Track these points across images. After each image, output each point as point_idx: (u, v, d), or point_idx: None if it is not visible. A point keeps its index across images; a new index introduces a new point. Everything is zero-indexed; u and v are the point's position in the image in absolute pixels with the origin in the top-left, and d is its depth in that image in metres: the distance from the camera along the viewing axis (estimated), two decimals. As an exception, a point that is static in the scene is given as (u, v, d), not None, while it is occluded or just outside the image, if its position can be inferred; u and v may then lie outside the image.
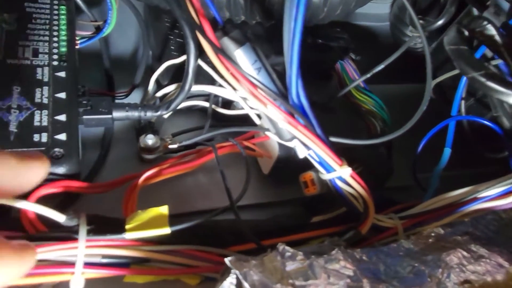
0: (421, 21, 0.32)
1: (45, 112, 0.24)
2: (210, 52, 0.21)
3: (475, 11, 0.24)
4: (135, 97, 0.33)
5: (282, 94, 0.23)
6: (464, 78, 0.32)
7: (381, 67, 0.33)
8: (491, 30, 0.20)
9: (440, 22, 0.28)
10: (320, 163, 0.24)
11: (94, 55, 0.33)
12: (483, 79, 0.18)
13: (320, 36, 0.39)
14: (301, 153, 0.24)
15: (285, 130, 0.22)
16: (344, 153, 0.29)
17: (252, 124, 0.28)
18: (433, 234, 0.28)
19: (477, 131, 0.33)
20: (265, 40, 0.37)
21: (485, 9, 0.23)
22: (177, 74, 0.31)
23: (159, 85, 0.32)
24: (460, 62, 0.18)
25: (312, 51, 0.39)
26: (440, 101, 0.37)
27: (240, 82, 0.21)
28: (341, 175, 0.24)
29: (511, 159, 0.29)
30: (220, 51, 0.21)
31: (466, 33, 0.19)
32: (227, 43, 0.21)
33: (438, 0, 0.29)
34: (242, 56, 0.21)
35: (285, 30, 0.20)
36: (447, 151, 0.31)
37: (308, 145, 0.23)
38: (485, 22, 0.20)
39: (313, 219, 0.28)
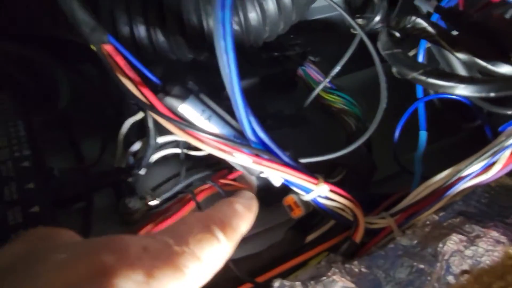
0: (360, 20, 0.32)
1: (17, 208, 0.24)
2: (159, 119, 0.21)
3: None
4: (107, 161, 0.33)
5: (240, 132, 0.23)
6: (422, 48, 0.31)
7: (337, 68, 0.32)
8: (422, 23, 0.20)
9: (377, 18, 0.28)
10: (296, 187, 0.24)
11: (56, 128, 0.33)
12: (423, 77, 0.18)
13: (274, 49, 0.39)
14: (276, 182, 0.24)
15: (253, 168, 0.22)
16: (323, 162, 0.29)
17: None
18: (428, 223, 0.27)
19: (448, 104, 0.33)
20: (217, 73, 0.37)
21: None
22: (143, 128, 0.31)
23: (129, 143, 0.32)
24: (397, 66, 0.18)
25: (270, 65, 0.39)
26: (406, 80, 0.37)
27: (201, 140, 0.21)
28: (320, 193, 0.24)
29: (486, 127, 0.29)
30: (168, 118, 0.20)
31: (397, 34, 0.19)
32: (170, 102, 0.21)
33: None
34: (189, 109, 0.21)
35: (220, 66, 0.20)
36: (423, 134, 0.31)
37: (279, 175, 0.23)
38: (413, 17, 0.20)
39: (307, 238, 0.28)
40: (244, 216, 0.18)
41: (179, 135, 0.20)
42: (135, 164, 0.31)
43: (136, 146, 0.31)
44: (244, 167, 0.22)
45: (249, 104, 0.36)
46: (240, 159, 0.21)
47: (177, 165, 0.32)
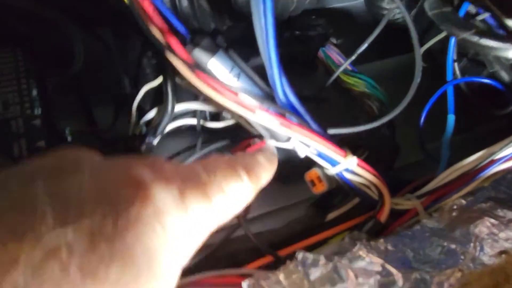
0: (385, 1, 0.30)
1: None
2: (183, 69, 0.20)
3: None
4: (120, 128, 0.31)
5: (269, 95, 0.21)
6: (453, 39, 0.30)
7: (364, 46, 0.31)
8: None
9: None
10: (323, 158, 0.23)
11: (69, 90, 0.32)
12: (475, 38, 0.16)
13: (296, 27, 0.38)
14: (302, 152, 0.23)
15: (279, 132, 0.21)
16: (345, 142, 0.28)
17: (245, 132, 0.27)
18: (455, 207, 0.26)
19: (477, 90, 0.32)
20: (243, 43, 0.36)
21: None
22: (158, 97, 0.30)
23: (142, 111, 0.31)
24: (447, 25, 0.17)
25: (291, 44, 0.38)
26: (433, 67, 0.36)
27: (222, 93, 0.20)
28: (348, 166, 0.23)
29: (519, 111, 0.28)
30: (193, 66, 0.19)
31: (447, -8, 0.18)
32: (199, 55, 0.20)
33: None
34: (218, 65, 0.20)
35: (256, 30, 0.19)
36: (451, 118, 0.29)
37: (306, 143, 0.21)
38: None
39: (328, 216, 0.26)
40: (266, 167, 0.18)
41: (198, 86, 0.19)
42: (148, 133, 0.29)
43: (151, 114, 0.30)
44: (270, 131, 0.21)
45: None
46: (265, 119, 0.19)
47: (193, 137, 0.31)
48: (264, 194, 0.29)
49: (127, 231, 0.10)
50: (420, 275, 0.20)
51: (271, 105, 0.20)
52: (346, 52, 0.38)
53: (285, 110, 0.20)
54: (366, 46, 0.31)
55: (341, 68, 0.34)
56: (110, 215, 0.10)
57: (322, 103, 0.36)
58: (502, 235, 0.22)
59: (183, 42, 0.20)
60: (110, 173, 0.12)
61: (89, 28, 0.32)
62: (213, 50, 0.20)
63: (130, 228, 0.11)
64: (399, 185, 0.30)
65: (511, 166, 0.25)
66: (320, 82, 0.38)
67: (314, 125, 0.21)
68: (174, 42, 0.19)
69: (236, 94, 0.20)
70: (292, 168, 0.27)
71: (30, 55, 0.29)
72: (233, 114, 0.25)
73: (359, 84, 0.36)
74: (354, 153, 0.31)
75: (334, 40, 0.40)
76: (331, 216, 0.26)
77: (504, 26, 0.24)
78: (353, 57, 0.33)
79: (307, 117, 0.21)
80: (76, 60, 0.32)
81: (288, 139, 0.22)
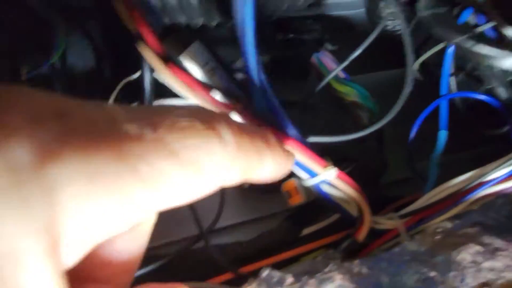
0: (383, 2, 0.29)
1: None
2: (153, 61, 0.18)
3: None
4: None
5: (246, 95, 0.20)
6: (450, 51, 0.29)
7: (358, 52, 0.30)
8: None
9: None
10: (300, 167, 0.21)
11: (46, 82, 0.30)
12: (470, 43, 0.15)
13: (291, 30, 0.37)
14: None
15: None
16: (331, 152, 0.27)
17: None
18: (439, 230, 0.25)
19: (472, 107, 0.30)
20: (230, 43, 0.35)
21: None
22: (138, 91, 0.29)
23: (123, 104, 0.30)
24: (440, 28, 0.15)
25: (284, 47, 0.37)
26: (428, 81, 0.34)
27: (192, 90, 0.18)
28: (326, 178, 0.21)
29: (513, 133, 0.26)
30: (165, 58, 0.18)
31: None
32: (171, 46, 0.18)
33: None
34: (190, 58, 0.18)
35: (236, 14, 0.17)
36: (443, 134, 0.28)
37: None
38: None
39: (303, 231, 0.25)
40: (275, 150, 0.13)
41: (169, 80, 0.17)
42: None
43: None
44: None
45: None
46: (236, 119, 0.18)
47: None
48: (235, 203, 0.28)
49: None
50: (393, 303, 0.19)
51: (247, 106, 0.19)
52: (342, 59, 0.36)
53: (259, 112, 0.19)
54: (360, 51, 0.30)
55: (333, 74, 0.33)
56: None
57: (309, 110, 0.35)
58: (486, 264, 0.21)
59: (156, 32, 0.18)
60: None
61: (75, 20, 0.31)
62: (186, 42, 0.18)
63: None
64: (385, 202, 0.28)
65: (501, 190, 0.23)
66: (311, 88, 0.37)
67: (292, 131, 0.20)
68: (145, 31, 0.18)
69: (207, 91, 0.18)
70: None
71: (7, 39, 0.28)
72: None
73: (351, 93, 0.35)
74: (338, 165, 0.30)
75: (329, 46, 0.38)
76: (306, 231, 0.25)
77: (503, 37, 0.22)
78: (346, 63, 0.32)
79: (286, 121, 0.19)
80: (55, 50, 0.30)
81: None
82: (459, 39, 0.15)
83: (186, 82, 0.18)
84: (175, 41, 0.18)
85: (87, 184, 0.08)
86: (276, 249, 0.23)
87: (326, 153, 0.25)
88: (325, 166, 0.21)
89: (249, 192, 0.27)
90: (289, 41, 0.37)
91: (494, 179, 0.23)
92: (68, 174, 0.08)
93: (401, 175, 0.32)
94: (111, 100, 0.28)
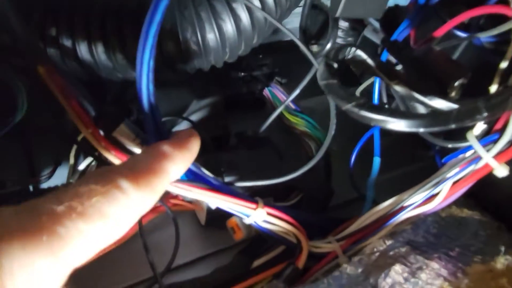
0: (315, 46, 0.32)
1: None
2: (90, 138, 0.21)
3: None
4: (61, 172, 0.32)
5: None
6: (377, 83, 0.32)
7: (297, 91, 0.33)
8: (361, 55, 0.20)
9: (328, 47, 0.28)
10: (233, 211, 0.24)
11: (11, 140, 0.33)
12: (355, 110, 0.18)
13: (242, 68, 0.39)
14: (212, 205, 0.24)
15: (180, 192, 0.22)
16: (282, 183, 0.29)
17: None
18: (375, 250, 0.27)
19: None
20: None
21: (364, 28, 0.23)
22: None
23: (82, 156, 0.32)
24: (333, 97, 0.18)
25: (236, 85, 0.39)
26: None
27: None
28: (257, 219, 0.24)
29: (437, 157, 0.29)
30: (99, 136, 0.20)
31: (335, 65, 0.19)
32: (105, 125, 0.21)
33: (326, 25, 0.29)
34: (121, 135, 0.21)
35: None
36: (377, 160, 0.31)
37: (212, 200, 0.22)
38: (353, 49, 0.20)
39: (254, 263, 0.27)
40: (173, 156, 0.16)
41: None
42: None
43: (89, 159, 0.31)
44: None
45: (212, 123, 0.36)
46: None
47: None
48: (189, 241, 0.30)
49: None
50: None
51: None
52: (295, 85, 0.38)
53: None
54: (298, 92, 0.33)
55: (279, 110, 0.35)
56: None
57: (264, 142, 0.38)
58: (407, 285, 0.23)
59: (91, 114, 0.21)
60: None
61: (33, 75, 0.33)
62: (116, 122, 0.21)
63: None
64: (332, 225, 0.31)
65: (418, 214, 0.26)
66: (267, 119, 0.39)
67: (215, 183, 0.22)
68: (82, 115, 0.20)
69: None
70: (220, 215, 0.28)
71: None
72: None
73: (300, 123, 0.38)
74: (289, 195, 0.33)
75: (279, 79, 0.41)
76: (256, 263, 0.27)
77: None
78: (288, 100, 0.34)
79: (205, 175, 0.22)
80: (19, 109, 0.32)
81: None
82: (348, 106, 0.17)
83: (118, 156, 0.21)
84: (108, 122, 0.21)
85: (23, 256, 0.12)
86: (229, 283, 0.26)
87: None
88: (256, 208, 0.24)
89: (201, 229, 0.29)
90: (241, 79, 0.39)
91: (412, 204, 0.26)
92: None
93: (349, 196, 0.35)
94: (73, 151, 0.31)
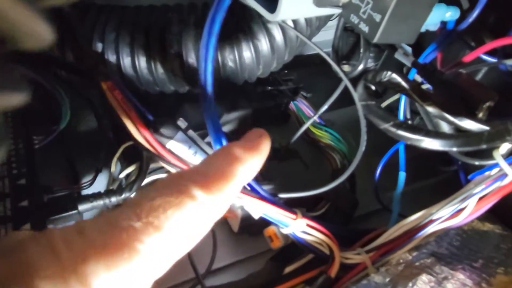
0: (346, 66, 0.34)
1: (9, 225, 0.25)
2: (147, 145, 0.23)
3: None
4: (101, 180, 0.34)
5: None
6: (403, 99, 0.33)
7: (325, 107, 0.34)
8: (396, 78, 0.22)
9: (361, 67, 0.30)
10: (274, 221, 0.25)
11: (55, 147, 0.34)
12: (393, 129, 0.19)
13: (269, 83, 0.41)
14: (255, 214, 0.25)
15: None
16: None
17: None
18: (401, 261, 0.29)
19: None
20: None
21: (395, 51, 0.25)
22: (136, 154, 0.33)
23: (122, 165, 0.34)
24: (371, 117, 0.20)
25: (264, 99, 0.41)
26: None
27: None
28: (296, 229, 0.25)
29: (461, 173, 0.31)
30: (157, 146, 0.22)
31: (373, 87, 0.21)
32: (160, 138, 0.22)
33: (357, 45, 0.31)
34: (176, 146, 0.23)
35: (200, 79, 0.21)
36: (402, 175, 0.32)
37: (257, 209, 0.24)
38: (389, 72, 0.22)
39: (286, 269, 0.29)
40: (245, 159, 0.15)
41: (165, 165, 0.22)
42: (125, 188, 0.32)
43: (130, 169, 0.33)
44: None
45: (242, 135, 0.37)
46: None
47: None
48: (228, 247, 0.32)
49: None
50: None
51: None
52: (320, 99, 0.40)
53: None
54: (326, 108, 0.34)
55: (307, 124, 0.37)
56: None
57: (291, 154, 0.39)
58: (435, 293, 0.25)
59: (148, 125, 0.23)
60: None
61: (77, 90, 0.35)
62: (172, 133, 0.22)
63: None
64: (356, 235, 0.32)
65: (448, 226, 0.27)
66: (292, 133, 0.41)
67: (263, 192, 0.24)
68: (141, 127, 0.22)
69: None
70: (255, 221, 0.30)
71: (19, 114, 0.32)
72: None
73: (325, 136, 0.39)
74: (316, 205, 0.34)
75: (304, 93, 0.43)
76: (288, 269, 0.29)
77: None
78: (316, 116, 0.36)
79: (256, 185, 0.24)
80: (62, 119, 0.35)
81: (241, 205, 0.25)
82: (386, 125, 0.19)
83: (176, 164, 0.22)
84: (164, 133, 0.22)
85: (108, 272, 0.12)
86: (265, 287, 0.27)
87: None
88: (296, 218, 0.25)
89: (233, 235, 0.31)
90: (267, 93, 0.41)
91: (440, 217, 0.27)
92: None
93: (372, 207, 0.36)
94: (113, 163, 0.33)
